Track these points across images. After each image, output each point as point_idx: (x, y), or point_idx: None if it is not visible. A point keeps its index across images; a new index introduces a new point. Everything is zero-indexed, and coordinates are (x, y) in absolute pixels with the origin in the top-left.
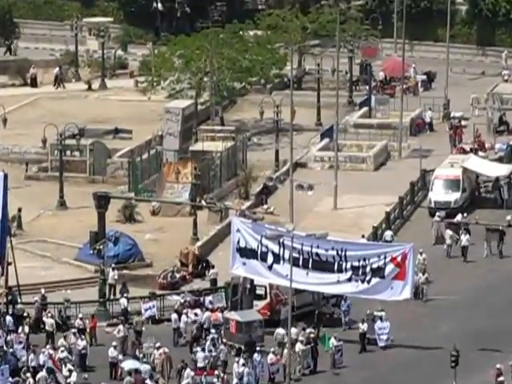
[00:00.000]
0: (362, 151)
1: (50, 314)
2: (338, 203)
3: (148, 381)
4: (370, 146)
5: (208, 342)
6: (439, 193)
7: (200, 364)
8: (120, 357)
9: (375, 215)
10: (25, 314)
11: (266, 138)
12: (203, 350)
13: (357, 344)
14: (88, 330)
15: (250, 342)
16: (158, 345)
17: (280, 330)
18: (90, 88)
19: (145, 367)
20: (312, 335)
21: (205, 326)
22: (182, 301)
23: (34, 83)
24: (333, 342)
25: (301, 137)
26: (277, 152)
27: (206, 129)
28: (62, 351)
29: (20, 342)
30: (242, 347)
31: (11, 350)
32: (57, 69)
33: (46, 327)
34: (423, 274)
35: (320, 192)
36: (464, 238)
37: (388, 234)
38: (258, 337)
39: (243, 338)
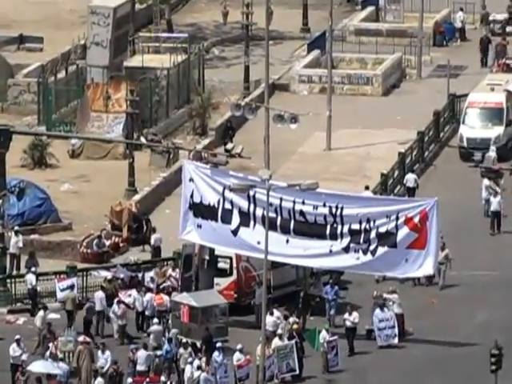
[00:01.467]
0: (366, 68)
1: None
2: (332, 141)
3: None
4: (377, 60)
5: (151, 337)
6: (474, 126)
7: (140, 367)
8: (24, 356)
9: (384, 158)
10: None
11: (231, 50)
12: (145, 347)
13: (358, 339)
14: None
15: (207, 337)
16: (80, 338)
17: (269, 319)
18: None
19: (62, 368)
20: (296, 326)
21: (147, 313)
22: (111, 277)
23: None
24: (324, 336)
25: (281, 48)
26: (247, 69)
27: (146, 36)
28: None
29: None
30: (198, 343)
31: None
32: None
33: None
34: (442, 249)
35: (307, 126)
36: (495, 200)
37: (410, 177)
38: (219, 328)
39: (200, 329)
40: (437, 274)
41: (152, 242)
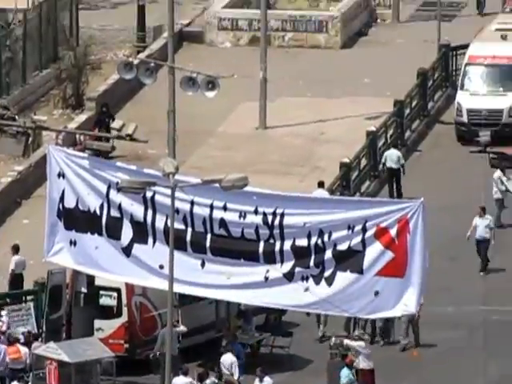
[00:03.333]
0: (318, 8)
1: None
2: (268, 116)
3: None
4: None
5: None
6: (478, 93)
7: None
8: None
9: (346, 140)
10: None
11: None
12: None
13: None
14: None
15: None
16: None
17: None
18: None
19: None
20: None
21: None
22: None
23: None
24: None
25: None
26: (141, 10)
27: None
28: None
29: None
30: None
31: None
32: None
33: None
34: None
35: (231, 94)
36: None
37: (392, 154)
38: None
39: None
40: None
41: (11, 266)
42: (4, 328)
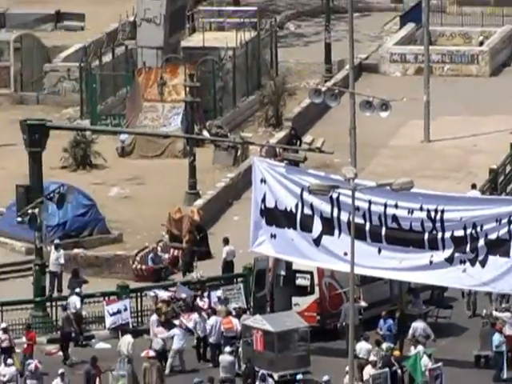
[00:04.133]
0: (471, 43)
1: None
2: (431, 131)
3: None
4: (483, 33)
5: (221, 369)
6: None
7: None
8: None
9: (494, 150)
10: None
11: (309, 25)
12: (211, 381)
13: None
14: (20, 349)
15: (250, 370)
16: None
17: (363, 345)
18: None
19: None
20: (397, 353)
21: (211, 340)
22: (168, 297)
23: None
24: (426, 362)
25: (368, 22)
26: (328, 48)
27: (208, 11)
28: None
29: None
30: (275, 375)
31: None
32: None
33: None
34: None
35: (401, 113)
36: None
37: None
38: (300, 357)
39: (277, 358)
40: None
41: (224, 255)
42: (219, 306)
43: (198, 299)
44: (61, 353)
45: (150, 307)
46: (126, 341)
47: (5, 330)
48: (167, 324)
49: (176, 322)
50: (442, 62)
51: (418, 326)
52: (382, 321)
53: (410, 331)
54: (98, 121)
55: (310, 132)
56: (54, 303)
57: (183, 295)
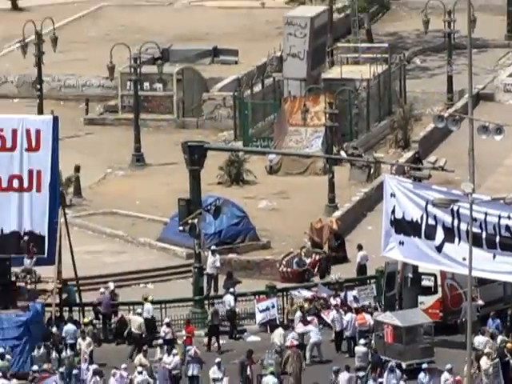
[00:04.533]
0: None
1: (138, 310)
2: None
3: None
4: None
5: (356, 358)
6: None
7: None
8: (225, 380)
9: None
10: (86, 320)
11: (433, 59)
12: (347, 368)
13: None
14: (180, 341)
15: (376, 359)
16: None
17: (480, 338)
18: None
19: None
20: (510, 345)
21: (347, 334)
22: (311, 296)
23: None
24: None
25: (484, 56)
26: (450, 79)
27: (345, 47)
28: (140, 373)
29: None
30: (403, 364)
31: (75, 371)
32: None
33: (133, 329)
34: None
35: None
36: None
37: None
38: (425, 349)
39: (405, 350)
40: None
41: (357, 259)
42: (354, 304)
43: (331, 298)
44: (216, 344)
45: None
46: (278, 333)
47: (168, 325)
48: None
49: (309, 318)
50: None
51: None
52: (490, 320)
53: None
54: (250, 143)
55: (433, 153)
56: (211, 301)
57: (324, 294)
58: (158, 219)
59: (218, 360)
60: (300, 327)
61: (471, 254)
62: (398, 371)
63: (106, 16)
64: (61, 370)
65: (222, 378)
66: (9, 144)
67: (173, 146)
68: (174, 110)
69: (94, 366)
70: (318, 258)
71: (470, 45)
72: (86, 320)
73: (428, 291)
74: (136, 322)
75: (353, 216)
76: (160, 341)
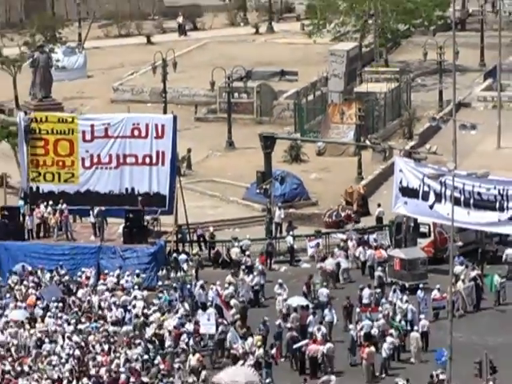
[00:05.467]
0: None
1: (236, 244)
2: (501, 142)
3: (311, 317)
4: None
5: (375, 281)
6: None
7: (365, 301)
8: (285, 294)
9: None
10: (194, 251)
11: (429, 79)
12: (368, 286)
13: None
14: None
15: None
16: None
17: (458, 268)
18: (257, 32)
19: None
20: (475, 272)
21: (368, 264)
22: (345, 238)
23: (181, 30)
24: (497, 279)
25: (464, 77)
26: (440, 92)
27: (370, 70)
28: (227, 288)
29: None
30: (406, 284)
31: (188, 286)
32: (180, 18)
33: (233, 256)
34: None
35: (483, 131)
36: None
37: None
38: (421, 274)
39: (408, 275)
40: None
41: (376, 213)
42: (374, 244)
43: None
44: (281, 269)
45: (332, 243)
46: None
47: (248, 255)
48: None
49: (342, 252)
50: (509, 102)
51: (509, 252)
52: (456, 257)
53: (504, 256)
54: (305, 134)
55: (429, 142)
56: (277, 240)
57: (353, 237)
58: (242, 185)
59: (280, 281)
60: (335, 258)
61: (453, 211)
62: (398, 291)
63: (209, 48)
64: (175, 285)
65: (281, 293)
66: (143, 133)
67: (253, 136)
68: (254, 111)
69: (200, 282)
70: (349, 212)
71: (454, 69)
72: (193, 251)
73: (424, 235)
74: (234, 251)
75: (373, 184)
76: (243, 266)
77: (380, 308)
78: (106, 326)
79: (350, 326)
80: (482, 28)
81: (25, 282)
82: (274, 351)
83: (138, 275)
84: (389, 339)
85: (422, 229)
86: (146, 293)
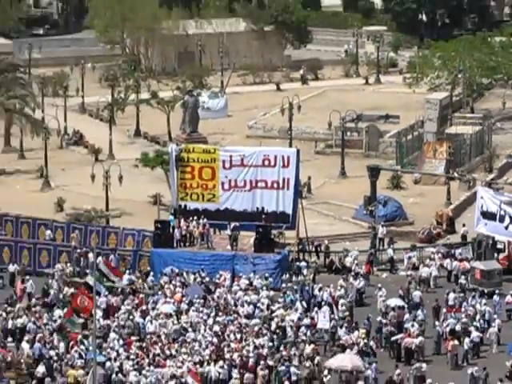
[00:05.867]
0: None
1: (350, 254)
2: None
3: (407, 315)
4: None
5: (457, 286)
6: None
7: (450, 303)
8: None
9: None
10: (312, 260)
11: (507, 124)
12: (453, 291)
13: None
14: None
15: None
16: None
17: None
18: (367, 82)
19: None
20: None
21: (454, 273)
22: (435, 251)
23: (303, 80)
24: None
25: None
26: None
27: (458, 116)
28: (339, 290)
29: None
30: (485, 290)
31: (307, 288)
32: (302, 70)
33: (347, 264)
34: None
35: None
36: None
37: None
38: (497, 282)
39: (487, 283)
40: None
41: (461, 232)
42: (460, 256)
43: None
44: (383, 276)
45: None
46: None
47: (356, 264)
48: None
49: (430, 262)
50: None
51: None
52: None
53: None
54: (405, 166)
55: (506, 175)
56: (380, 252)
57: (441, 251)
58: (352, 207)
59: (379, 285)
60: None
61: None
62: (477, 296)
63: (327, 95)
64: (296, 287)
65: (381, 295)
66: (272, 163)
67: (362, 167)
68: (363, 147)
69: (319, 286)
70: (438, 230)
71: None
72: (312, 260)
73: (500, 251)
74: (348, 260)
75: (460, 208)
76: (352, 272)
77: (462, 309)
78: (238, 319)
79: (437, 324)
80: None
81: (173, 282)
82: (372, 343)
83: (266, 278)
84: (472, 334)
85: (499, 245)
86: (272, 293)
